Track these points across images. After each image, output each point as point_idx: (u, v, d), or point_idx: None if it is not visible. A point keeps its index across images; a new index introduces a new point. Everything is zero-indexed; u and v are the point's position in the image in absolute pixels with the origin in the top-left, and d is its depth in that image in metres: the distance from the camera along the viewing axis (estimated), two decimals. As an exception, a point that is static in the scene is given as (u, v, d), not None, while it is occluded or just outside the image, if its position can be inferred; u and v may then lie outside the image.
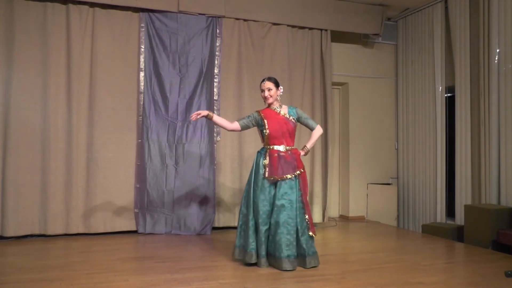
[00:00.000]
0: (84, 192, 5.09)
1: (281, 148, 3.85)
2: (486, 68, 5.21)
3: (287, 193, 3.73)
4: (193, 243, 4.82)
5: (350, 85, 6.67)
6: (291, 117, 3.91)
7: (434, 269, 3.82)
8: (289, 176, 3.75)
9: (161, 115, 5.36)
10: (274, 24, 5.90)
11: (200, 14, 5.48)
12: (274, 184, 3.77)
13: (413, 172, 6.47)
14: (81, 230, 5.05)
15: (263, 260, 3.74)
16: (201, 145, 5.44)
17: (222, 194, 5.58)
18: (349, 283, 3.36)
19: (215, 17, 5.57)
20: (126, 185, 5.24)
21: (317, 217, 5.97)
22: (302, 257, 3.73)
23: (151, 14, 5.36)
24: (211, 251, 4.44)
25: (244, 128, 3.99)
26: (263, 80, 3.92)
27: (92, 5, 5.15)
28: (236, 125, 3.95)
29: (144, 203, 5.25)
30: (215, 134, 5.49)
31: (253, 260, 3.75)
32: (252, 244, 3.77)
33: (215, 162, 5.48)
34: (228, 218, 5.59)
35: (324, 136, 6.04)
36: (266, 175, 3.77)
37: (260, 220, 3.72)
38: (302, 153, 3.97)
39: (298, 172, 3.80)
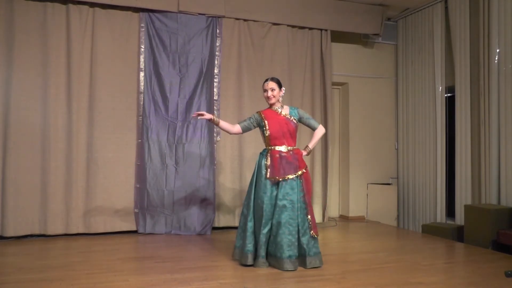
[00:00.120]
0: (84, 192, 5.09)
1: (282, 148, 3.85)
2: (486, 68, 5.21)
3: (289, 193, 3.73)
4: (193, 243, 4.81)
5: (350, 85, 6.67)
6: (292, 118, 3.91)
7: (434, 269, 3.82)
8: (290, 176, 3.76)
9: (161, 115, 5.36)
10: (274, 24, 5.90)
11: (200, 14, 5.48)
12: (276, 184, 3.78)
13: (413, 172, 6.47)
14: (81, 230, 5.05)
15: (263, 261, 3.73)
16: (201, 145, 5.44)
17: (222, 194, 5.58)
18: (349, 283, 3.36)
19: (215, 17, 5.57)
20: (126, 185, 5.24)
21: (317, 217, 5.96)
22: (302, 257, 3.73)
23: (151, 14, 5.36)
24: (211, 251, 4.44)
25: (245, 130, 4.00)
26: (266, 80, 3.92)
27: (92, 5, 5.15)
28: (237, 128, 3.96)
29: (144, 203, 5.25)
30: (215, 134, 5.49)
31: (249, 262, 3.75)
32: (248, 246, 3.77)
33: (215, 162, 5.48)
34: (228, 218, 5.59)
35: (324, 136, 6.03)
36: (268, 175, 3.77)
37: (262, 221, 3.72)
38: (304, 153, 3.98)
39: (299, 172, 3.80)
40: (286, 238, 3.66)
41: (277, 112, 3.91)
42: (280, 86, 3.92)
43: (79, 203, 5.05)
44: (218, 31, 5.58)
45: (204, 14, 5.51)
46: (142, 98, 5.32)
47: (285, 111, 3.94)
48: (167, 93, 5.37)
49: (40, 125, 4.96)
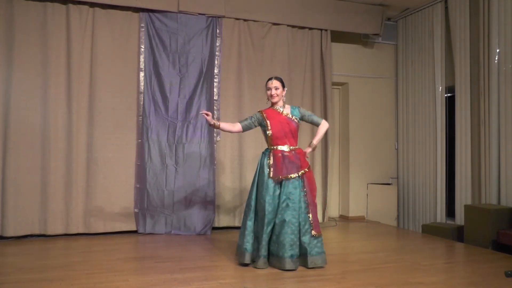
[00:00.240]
0: (84, 192, 5.09)
1: (285, 148, 3.86)
2: (486, 68, 5.21)
3: (291, 192, 3.74)
4: (193, 243, 4.81)
5: (350, 85, 6.67)
6: (293, 117, 3.91)
7: (434, 269, 3.82)
8: (293, 175, 3.77)
9: (161, 115, 5.36)
10: (274, 24, 5.90)
11: (200, 14, 5.48)
12: (279, 184, 3.79)
13: (413, 172, 6.47)
14: (81, 230, 5.05)
15: (264, 261, 3.73)
16: (201, 145, 5.44)
17: (222, 194, 5.58)
18: (349, 283, 3.36)
19: (215, 17, 5.57)
20: (126, 185, 5.24)
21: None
22: (303, 257, 3.73)
23: (151, 14, 5.36)
24: (211, 251, 4.44)
25: (246, 129, 4.01)
26: (270, 79, 3.93)
27: (92, 5, 5.15)
28: (238, 127, 3.97)
29: (144, 203, 5.25)
30: (215, 134, 5.49)
31: (246, 261, 3.76)
32: (246, 244, 3.78)
33: (215, 162, 5.48)
34: (228, 218, 5.59)
35: (324, 136, 6.03)
36: (271, 175, 3.78)
37: (265, 220, 3.73)
38: (309, 149, 4.00)
39: (302, 171, 3.81)
40: (289, 238, 3.66)
41: (279, 112, 3.92)
42: (283, 85, 3.94)
43: (79, 203, 5.05)
44: (218, 31, 5.58)
45: (204, 14, 5.51)
46: (142, 98, 5.32)
47: (287, 110, 3.94)
48: (167, 93, 5.37)
49: (40, 125, 4.95)
